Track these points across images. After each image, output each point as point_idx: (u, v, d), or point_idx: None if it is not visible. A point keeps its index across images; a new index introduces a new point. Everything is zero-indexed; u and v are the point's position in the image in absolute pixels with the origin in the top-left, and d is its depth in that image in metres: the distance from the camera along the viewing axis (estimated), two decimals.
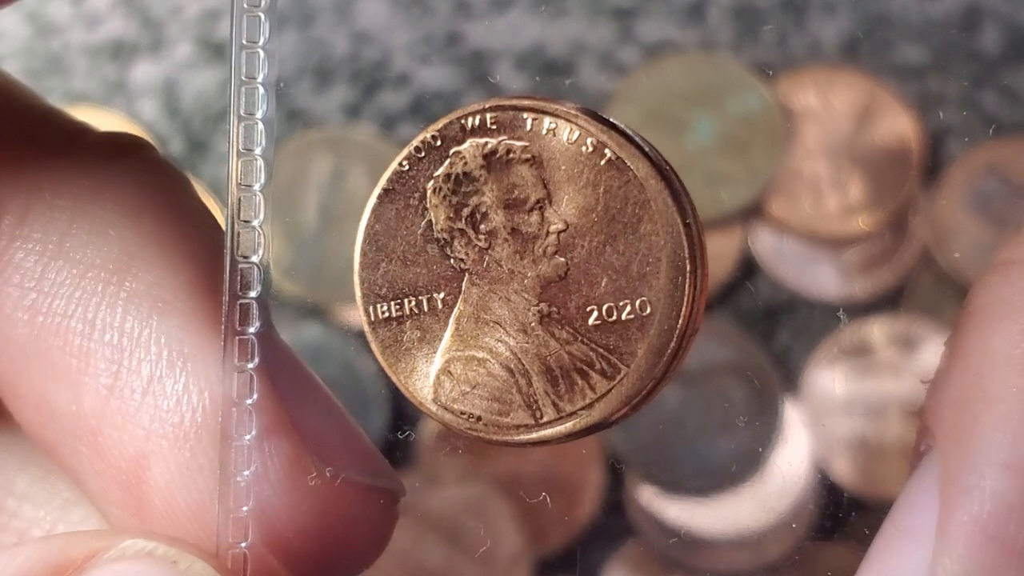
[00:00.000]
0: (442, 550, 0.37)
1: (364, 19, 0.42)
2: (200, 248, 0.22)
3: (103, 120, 0.43)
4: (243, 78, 0.22)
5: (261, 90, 0.22)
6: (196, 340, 0.22)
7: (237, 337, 0.21)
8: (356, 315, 0.23)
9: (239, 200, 0.22)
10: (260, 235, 0.22)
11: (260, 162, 0.22)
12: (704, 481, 0.39)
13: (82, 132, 0.24)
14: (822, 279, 0.41)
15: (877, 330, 0.40)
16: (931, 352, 0.39)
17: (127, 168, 0.23)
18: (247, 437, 0.21)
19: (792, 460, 0.39)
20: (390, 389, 0.38)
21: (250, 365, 0.21)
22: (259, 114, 0.22)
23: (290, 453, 0.21)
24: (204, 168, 0.43)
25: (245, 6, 0.21)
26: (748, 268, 0.41)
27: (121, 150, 0.23)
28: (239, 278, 0.22)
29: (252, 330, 0.21)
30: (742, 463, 0.38)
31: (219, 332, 0.22)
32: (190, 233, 0.23)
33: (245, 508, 0.21)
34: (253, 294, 0.22)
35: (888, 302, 0.41)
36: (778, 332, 0.41)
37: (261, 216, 0.22)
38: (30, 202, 0.22)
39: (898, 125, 0.41)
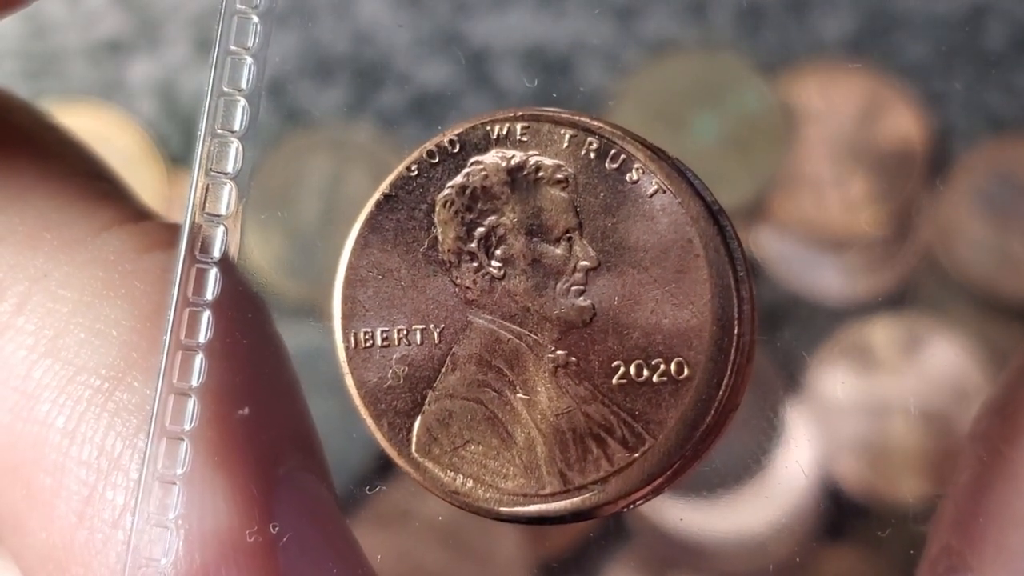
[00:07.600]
0: (442, 551, 0.37)
1: (364, 18, 0.42)
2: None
3: (102, 118, 0.43)
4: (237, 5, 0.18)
5: (255, 19, 0.18)
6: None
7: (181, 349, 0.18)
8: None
9: (213, 147, 0.18)
10: (232, 189, 0.18)
11: (244, 103, 0.18)
12: (704, 481, 0.39)
13: (119, 219, 0.20)
14: (824, 279, 0.41)
15: (880, 330, 0.40)
16: (934, 352, 0.39)
17: (154, 265, 0.20)
18: (170, 516, 0.17)
19: (793, 461, 0.38)
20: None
21: (187, 427, 0.18)
22: (252, 47, 0.19)
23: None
24: None
25: None
26: (749, 268, 0.41)
27: (155, 245, 0.20)
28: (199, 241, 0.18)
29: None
30: (742, 463, 0.38)
31: (219, 458, 0.18)
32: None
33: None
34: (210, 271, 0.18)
35: (891, 302, 0.41)
36: (779, 332, 0.41)
37: (236, 167, 0.18)
38: (32, 290, 0.19)
39: (902, 124, 0.41)
